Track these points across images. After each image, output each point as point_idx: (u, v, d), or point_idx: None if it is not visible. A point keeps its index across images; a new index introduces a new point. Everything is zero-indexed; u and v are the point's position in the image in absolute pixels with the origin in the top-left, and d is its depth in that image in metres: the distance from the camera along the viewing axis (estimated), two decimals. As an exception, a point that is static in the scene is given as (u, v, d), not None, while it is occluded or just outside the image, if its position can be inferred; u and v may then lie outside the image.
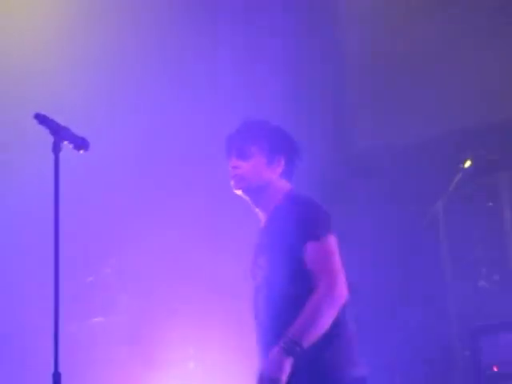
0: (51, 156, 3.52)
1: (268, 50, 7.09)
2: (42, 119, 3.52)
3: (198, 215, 6.20)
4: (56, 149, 3.51)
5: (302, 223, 3.51)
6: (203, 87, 6.79)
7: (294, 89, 7.08)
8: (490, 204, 6.66)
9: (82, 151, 3.58)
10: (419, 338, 6.39)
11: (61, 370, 3.37)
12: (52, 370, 3.37)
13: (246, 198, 3.74)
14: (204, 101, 6.61)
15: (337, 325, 3.45)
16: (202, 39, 7.01)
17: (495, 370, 5.84)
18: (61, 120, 3.57)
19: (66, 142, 3.54)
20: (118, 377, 5.98)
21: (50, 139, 3.53)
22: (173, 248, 6.24)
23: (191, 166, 6.44)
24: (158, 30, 6.98)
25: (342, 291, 3.43)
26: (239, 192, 3.72)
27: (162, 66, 6.93)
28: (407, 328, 6.36)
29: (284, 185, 3.74)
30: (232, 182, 3.71)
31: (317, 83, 7.33)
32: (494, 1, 6.92)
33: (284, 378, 3.35)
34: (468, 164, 6.43)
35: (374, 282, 6.53)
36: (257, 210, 3.76)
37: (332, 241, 3.52)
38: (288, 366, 3.36)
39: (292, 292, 3.48)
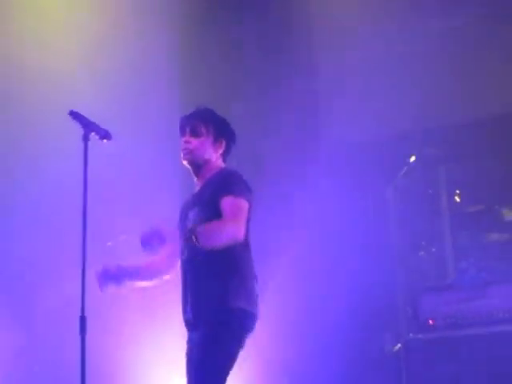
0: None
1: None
2: (75, 115, 3.60)
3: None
4: (85, 139, 3.61)
5: (224, 184, 3.58)
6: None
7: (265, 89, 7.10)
8: (430, 191, 6.74)
9: (105, 141, 3.67)
10: (369, 296, 6.46)
11: (86, 314, 3.46)
12: (79, 313, 3.46)
13: (190, 168, 3.79)
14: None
15: (238, 262, 3.53)
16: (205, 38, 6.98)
17: (430, 322, 5.97)
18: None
19: (93, 134, 3.63)
20: (130, 322, 6.08)
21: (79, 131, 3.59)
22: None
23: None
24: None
25: (240, 232, 3.45)
26: (185, 162, 3.77)
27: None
28: (360, 289, 6.44)
29: (220, 163, 3.78)
30: (181, 154, 3.75)
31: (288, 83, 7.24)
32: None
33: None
34: (413, 158, 6.58)
35: (337, 247, 6.58)
36: (196, 179, 3.80)
37: (245, 204, 3.53)
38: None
39: None
